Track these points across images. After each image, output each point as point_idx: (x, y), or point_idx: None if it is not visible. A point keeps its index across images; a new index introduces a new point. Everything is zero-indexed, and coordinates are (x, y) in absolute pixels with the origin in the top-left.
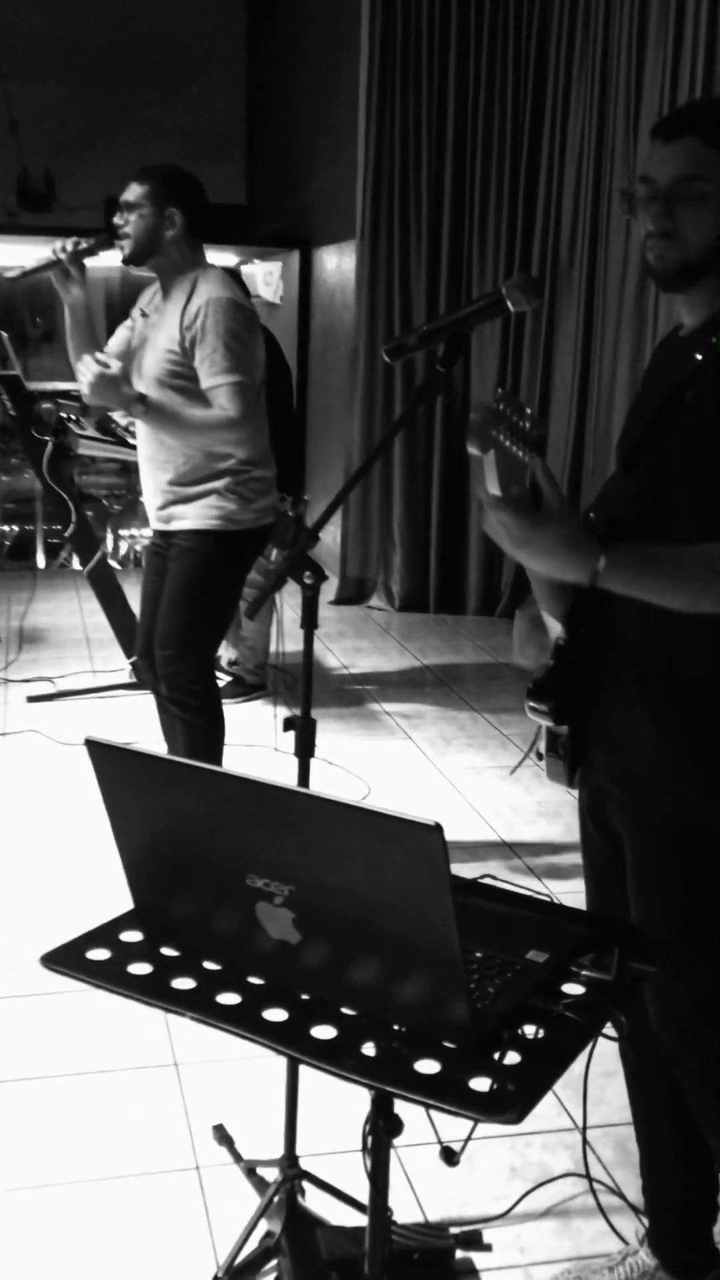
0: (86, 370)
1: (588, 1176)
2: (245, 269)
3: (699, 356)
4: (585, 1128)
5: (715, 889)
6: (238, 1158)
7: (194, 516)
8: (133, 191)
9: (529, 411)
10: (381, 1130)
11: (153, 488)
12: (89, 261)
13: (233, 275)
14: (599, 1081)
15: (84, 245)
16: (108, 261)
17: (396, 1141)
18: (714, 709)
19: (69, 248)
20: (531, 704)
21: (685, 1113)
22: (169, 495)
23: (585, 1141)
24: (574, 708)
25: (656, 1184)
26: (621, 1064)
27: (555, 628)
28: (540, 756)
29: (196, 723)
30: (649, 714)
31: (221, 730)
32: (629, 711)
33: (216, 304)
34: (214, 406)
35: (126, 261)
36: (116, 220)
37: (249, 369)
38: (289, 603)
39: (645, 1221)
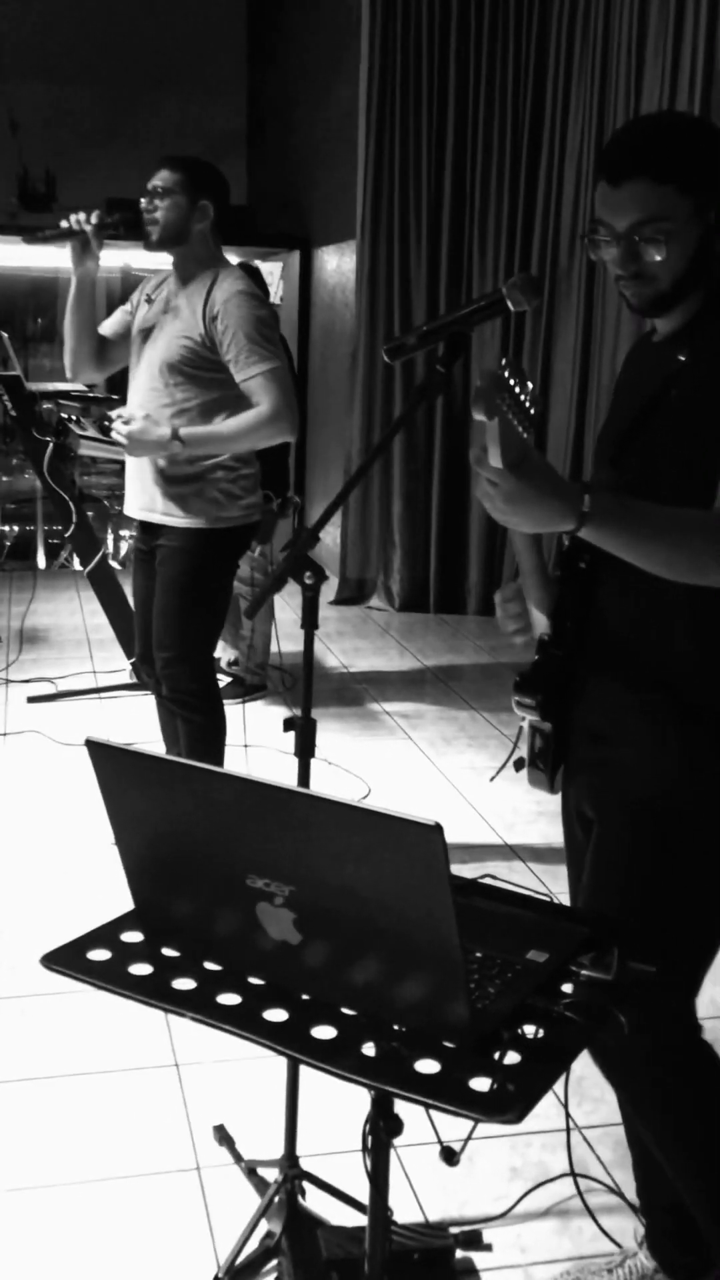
0: (118, 434)
1: (573, 1174)
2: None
3: (682, 358)
4: (569, 1128)
5: (678, 875)
6: (238, 1158)
7: (183, 514)
8: (163, 178)
9: (530, 386)
10: (381, 1130)
11: (138, 477)
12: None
13: (251, 270)
14: (598, 1081)
15: (109, 220)
16: (108, 261)
17: (396, 1141)
18: (698, 692)
19: (94, 220)
20: (518, 698)
21: None
22: (158, 487)
23: (569, 1139)
24: (559, 704)
25: (650, 1184)
26: (601, 1064)
27: (541, 622)
28: (519, 767)
29: (197, 721)
30: (633, 701)
31: (223, 728)
32: (613, 700)
33: (241, 297)
34: (251, 400)
35: (151, 246)
36: (144, 204)
37: (280, 356)
38: (289, 603)
39: (644, 1222)
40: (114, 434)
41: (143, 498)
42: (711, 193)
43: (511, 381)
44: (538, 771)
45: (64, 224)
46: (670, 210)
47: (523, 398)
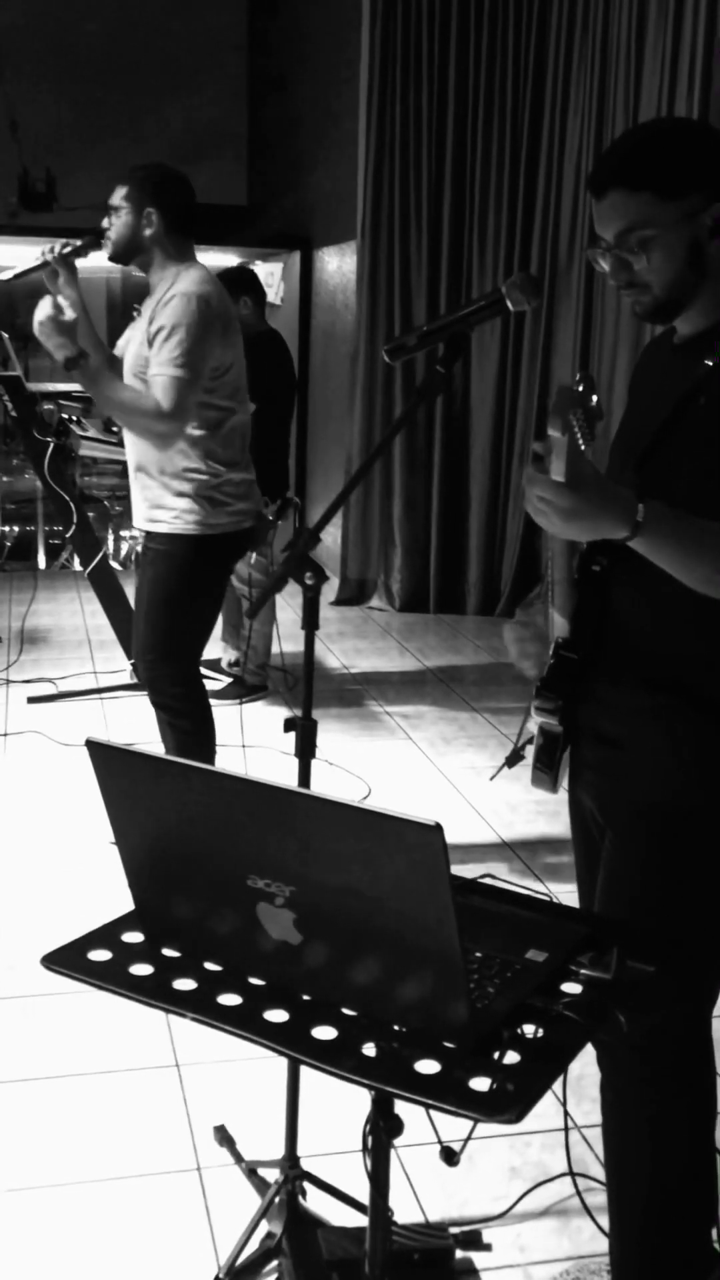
0: (40, 310)
1: (572, 1174)
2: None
3: (709, 363)
4: (568, 1128)
5: (691, 881)
6: (239, 1158)
7: (168, 520)
8: (116, 194)
9: (596, 399)
10: (382, 1130)
11: (135, 485)
12: (84, 261)
13: (244, 274)
14: (597, 1080)
15: (70, 248)
16: (108, 261)
17: (396, 1142)
18: (712, 695)
19: (57, 250)
20: (539, 703)
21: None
22: (146, 494)
23: (568, 1138)
24: (571, 708)
25: None
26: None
27: (561, 625)
28: (512, 763)
29: (181, 725)
30: (647, 703)
31: (210, 733)
32: (625, 702)
33: (182, 297)
34: (152, 391)
35: (112, 259)
36: (104, 223)
37: (194, 366)
38: (290, 604)
39: None
40: (38, 311)
41: (140, 505)
42: (700, 194)
43: (587, 396)
44: (541, 772)
45: (34, 262)
46: (649, 217)
47: (594, 412)
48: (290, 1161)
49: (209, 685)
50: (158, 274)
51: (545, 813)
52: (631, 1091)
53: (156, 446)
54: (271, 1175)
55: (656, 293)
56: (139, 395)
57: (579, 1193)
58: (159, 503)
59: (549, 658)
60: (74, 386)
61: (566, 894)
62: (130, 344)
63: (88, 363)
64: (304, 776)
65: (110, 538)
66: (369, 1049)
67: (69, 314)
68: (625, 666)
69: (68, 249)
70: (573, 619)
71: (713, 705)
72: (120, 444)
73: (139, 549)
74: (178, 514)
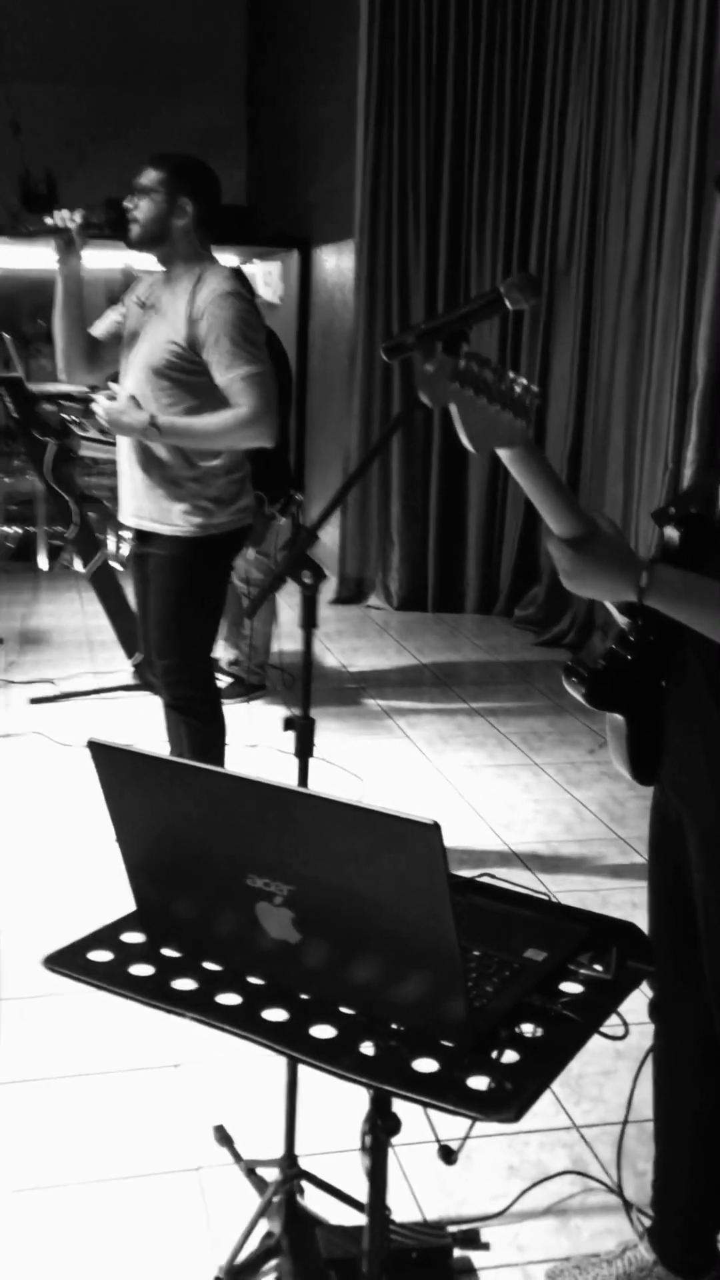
0: (99, 408)
1: (571, 1173)
2: (245, 269)
3: None
4: (567, 1127)
5: None
6: (238, 1158)
7: (171, 524)
8: (147, 176)
9: (511, 375)
10: (380, 1129)
11: (129, 482)
12: (91, 263)
13: (237, 274)
14: (597, 1080)
15: (94, 219)
16: (108, 262)
17: (395, 1141)
18: None
19: (78, 219)
20: (566, 680)
21: (710, 1123)
22: (147, 493)
23: (568, 1137)
24: (624, 698)
25: (669, 1184)
26: (652, 1065)
27: (618, 616)
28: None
29: (198, 725)
30: (708, 724)
31: (223, 730)
32: (689, 717)
33: (225, 298)
34: (231, 402)
35: (132, 245)
36: (127, 204)
37: (264, 360)
38: (288, 602)
39: (643, 1221)
40: (94, 408)
41: (133, 503)
42: None
43: (475, 368)
44: (619, 752)
45: (49, 220)
46: None
47: (504, 386)
48: (289, 1161)
49: None
50: (180, 267)
51: (543, 812)
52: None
53: (264, 444)
54: (270, 1174)
55: None
56: (221, 417)
57: (580, 1191)
58: (163, 505)
59: (607, 645)
60: (76, 388)
61: (565, 893)
62: (146, 338)
63: (158, 420)
64: (302, 775)
65: (111, 538)
66: (367, 1048)
67: (121, 396)
68: (689, 678)
69: (92, 219)
70: (630, 612)
71: None
72: None
73: (135, 551)
74: (184, 516)
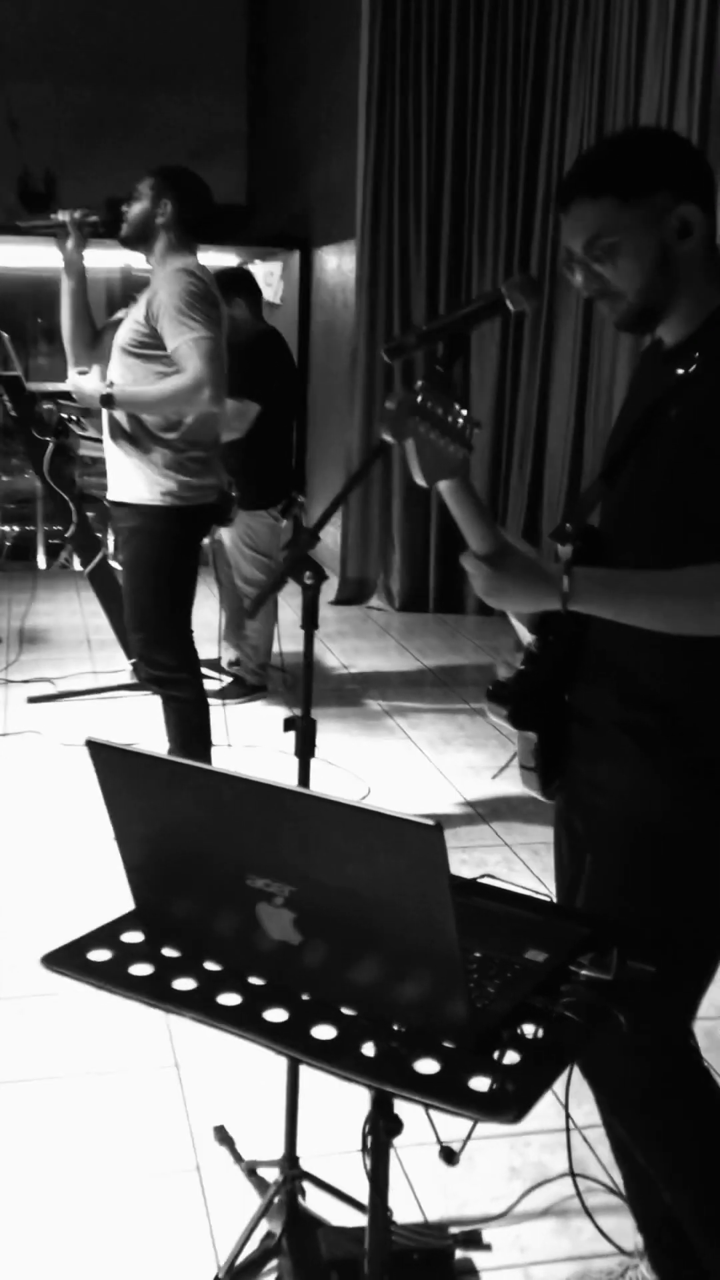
0: (71, 382)
1: (572, 1174)
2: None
3: (680, 371)
4: (568, 1128)
5: (673, 901)
6: (238, 1158)
7: (136, 493)
8: (141, 181)
9: (458, 407)
10: (381, 1130)
11: (108, 459)
12: (91, 263)
13: (239, 274)
14: None
15: (93, 217)
16: (108, 262)
17: (396, 1141)
18: (696, 714)
19: (77, 215)
20: (490, 705)
21: None
22: (117, 466)
23: (569, 1138)
24: (539, 715)
25: (643, 1199)
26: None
27: (525, 635)
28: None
29: (180, 697)
30: (629, 720)
31: (206, 705)
32: (605, 718)
33: (176, 274)
34: (180, 369)
35: (123, 241)
36: (125, 206)
37: (210, 328)
38: (289, 603)
39: (642, 1238)
40: (68, 382)
41: (110, 477)
42: (663, 195)
43: (428, 403)
44: (529, 772)
45: (53, 216)
46: (612, 222)
47: (451, 418)
48: (290, 1161)
49: (209, 685)
50: (157, 262)
51: (544, 812)
52: (624, 1105)
53: (214, 410)
54: (271, 1175)
55: (630, 300)
56: (165, 382)
57: (581, 1192)
58: (131, 477)
59: (519, 664)
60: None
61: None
62: (124, 324)
63: (113, 395)
64: (303, 776)
65: (110, 537)
66: (368, 1048)
67: (92, 372)
68: (604, 681)
69: (90, 217)
70: (539, 628)
71: (696, 726)
72: None
73: (111, 524)
74: (149, 486)
